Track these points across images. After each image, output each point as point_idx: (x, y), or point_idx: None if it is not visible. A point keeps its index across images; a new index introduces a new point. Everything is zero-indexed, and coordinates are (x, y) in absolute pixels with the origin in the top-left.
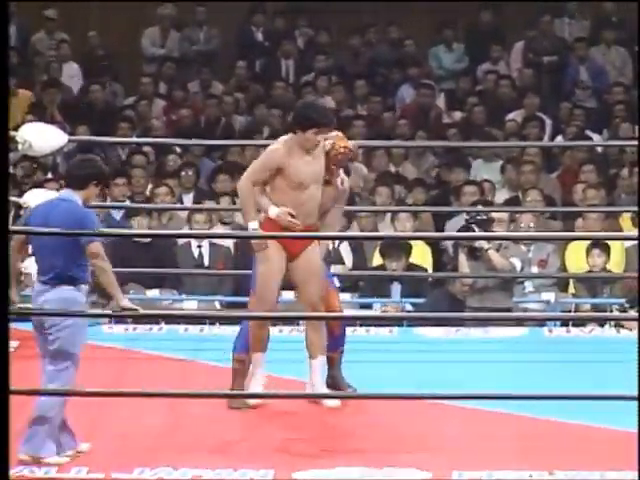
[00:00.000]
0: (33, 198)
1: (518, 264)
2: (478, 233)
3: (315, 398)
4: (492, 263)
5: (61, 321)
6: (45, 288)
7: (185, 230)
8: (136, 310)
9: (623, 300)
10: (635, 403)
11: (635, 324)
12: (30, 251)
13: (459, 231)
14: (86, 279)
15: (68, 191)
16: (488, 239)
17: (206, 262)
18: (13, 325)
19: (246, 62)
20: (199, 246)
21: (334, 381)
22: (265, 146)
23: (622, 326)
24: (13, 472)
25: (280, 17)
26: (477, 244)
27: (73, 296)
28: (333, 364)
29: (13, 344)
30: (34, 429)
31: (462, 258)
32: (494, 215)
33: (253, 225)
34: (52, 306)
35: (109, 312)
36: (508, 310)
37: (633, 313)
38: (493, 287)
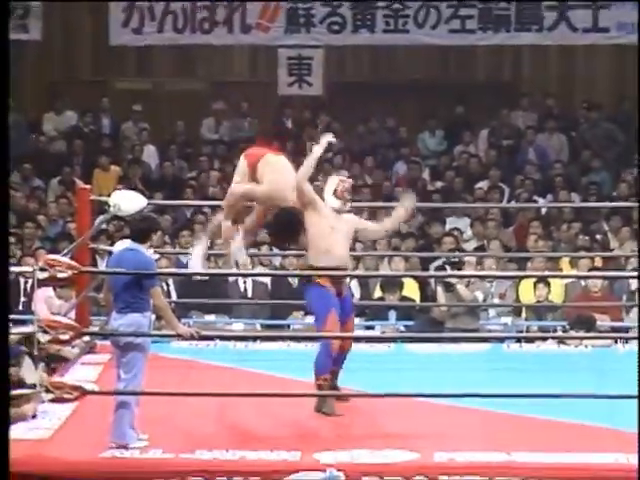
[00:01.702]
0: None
1: (480, 296)
2: (453, 272)
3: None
4: (460, 295)
5: (132, 339)
6: (119, 315)
7: (234, 270)
8: (192, 335)
9: (564, 323)
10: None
11: (575, 342)
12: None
13: (437, 270)
14: (149, 308)
15: (133, 243)
16: (461, 277)
17: (249, 294)
18: (105, 342)
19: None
20: (244, 282)
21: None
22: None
23: (563, 343)
24: (106, 454)
25: (305, 110)
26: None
27: (139, 321)
28: (334, 376)
29: (106, 357)
30: (118, 418)
31: (440, 291)
32: (465, 259)
33: None
34: (124, 329)
35: (171, 333)
36: (476, 330)
37: (573, 333)
38: (464, 313)
